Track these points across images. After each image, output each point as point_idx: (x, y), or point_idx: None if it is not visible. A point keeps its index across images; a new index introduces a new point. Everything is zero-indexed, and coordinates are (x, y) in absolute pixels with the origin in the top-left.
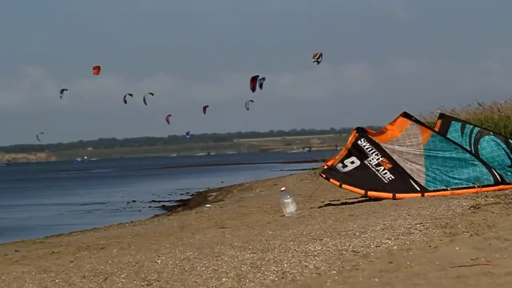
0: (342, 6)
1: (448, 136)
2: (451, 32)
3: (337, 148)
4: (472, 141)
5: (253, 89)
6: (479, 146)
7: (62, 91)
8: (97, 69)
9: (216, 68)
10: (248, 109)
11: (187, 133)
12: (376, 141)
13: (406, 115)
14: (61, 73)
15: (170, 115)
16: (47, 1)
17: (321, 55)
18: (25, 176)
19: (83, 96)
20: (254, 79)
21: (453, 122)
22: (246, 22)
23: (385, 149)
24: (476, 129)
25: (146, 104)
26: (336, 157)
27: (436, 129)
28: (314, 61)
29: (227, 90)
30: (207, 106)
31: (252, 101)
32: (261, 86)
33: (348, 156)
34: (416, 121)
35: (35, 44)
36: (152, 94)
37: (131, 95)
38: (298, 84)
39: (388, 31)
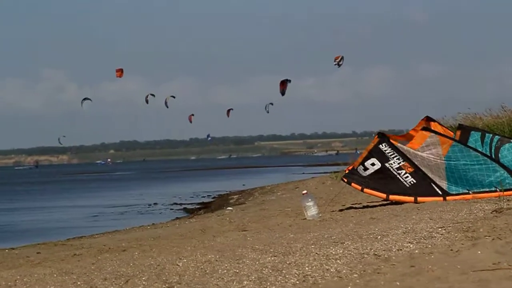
0: (364, 9)
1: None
2: (473, 35)
3: (357, 151)
4: (493, 150)
5: (283, 93)
6: (500, 155)
7: (83, 100)
8: (120, 71)
9: (238, 71)
10: (268, 111)
11: (208, 136)
12: (398, 144)
13: (425, 128)
14: (83, 75)
15: (193, 115)
16: (68, 4)
17: (342, 58)
18: (47, 178)
19: (105, 99)
20: (283, 83)
21: (472, 132)
22: (267, 25)
23: (407, 153)
24: (496, 138)
25: (167, 107)
26: (358, 160)
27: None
28: (335, 64)
29: (248, 93)
30: (231, 109)
31: (272, 104)
32: (283, 93)
33: (368, 157)
34: (435, 133)
35: (57, 46)
36: (174, 97)
37: (153, 95)
38: (320, 87)
39: (410, 34)
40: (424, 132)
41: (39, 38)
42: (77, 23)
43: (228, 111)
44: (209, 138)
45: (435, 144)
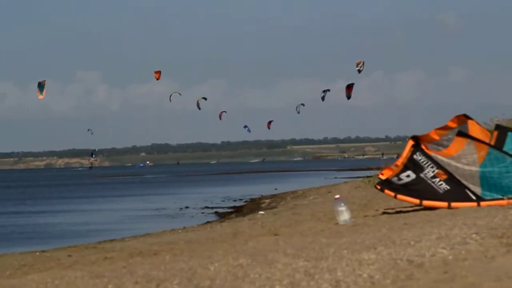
0: (395, 13)
1: (505, 147)
2: (507, 38)
3: (398, 155)
4: None
5: (348, 97)
6: None
7: (92, 153)
8: (159, 73)
9: (270, 74)
10: (299, 112)
11: (245, 126)
12: (432, 154)
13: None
14: (114, 78)
15: (225, 111)
16: (100, 6)
17: (363, 63)
18: (79, 180)
19: (136, 102)
20: (350, 87)
21: (509, 133)
22: (298, 28)
23: (440, 162)
24: None
25: (199, 108)
26: (392, 168)
27: (493, 141)
28: (357, 69)
29: (281, 96)
30: (272, 121)
31: (303, 104)
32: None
33: (404, 170)
34: (472, 138)
35: (88, 48)
36: (205, 99)
37: (179, 93)
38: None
39: (442, 38)
40: (461, 138)
41: (71, 40)
42: (109, 26)
43: (269, 123)
44: (247, 128)
45: (472, 153)
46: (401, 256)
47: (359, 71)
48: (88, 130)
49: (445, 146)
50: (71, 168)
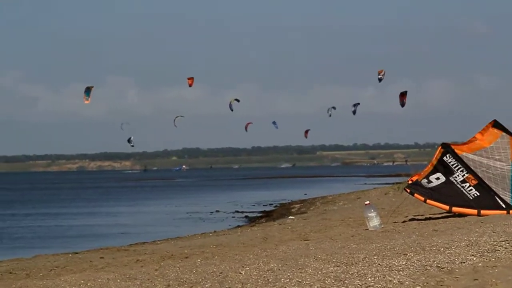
0: (424, 21)
1: None
2: None
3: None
4: None
5: (402, 104)
6: None
7: (129, 140)
8: (192, 80)
9: (301, 80)
10: (330, 115)
11: (274, 122)
12: (463, 154)
13: (496, 124)
14: (145, 82)
15: (250, 123)
16: (130, 11)
17: (384, 72)
18: (111, 183)
19: (166, 106)
20: (403, 95)
21: None
22: (328, 35)
23: (470, 165)
24: None
25: (232, 110)
26: (421, 173)
27: None
28: (378, 78)
29: (311, 102)
30: (309, 130)
31: (334, 108)
32: (354, 112)
33: (433, 172)
34: (507, 132)
35: (119, 53)
36: (238, 101)
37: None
38: (380, 98)
39: (471, 46)
40: (495, 130)
41: (101, 44)
42: (142, 30)
43: (306, 132)
44: (275, 125)
45: (505, 147)
46: (431, 262)
47: (380, 79)
48: (122, 125)
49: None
50: (124, 171)
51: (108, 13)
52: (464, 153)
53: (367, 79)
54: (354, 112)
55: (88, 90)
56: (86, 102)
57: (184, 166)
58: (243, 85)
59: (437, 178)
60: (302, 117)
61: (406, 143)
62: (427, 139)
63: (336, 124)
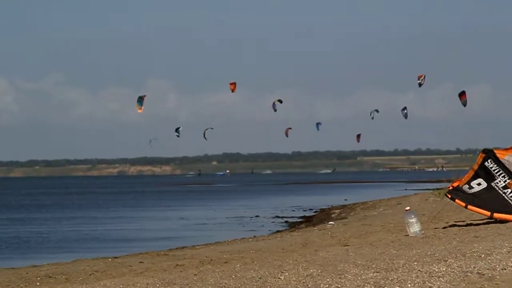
0: (464, 25)
1: None
2: None
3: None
4: None
5: (464, 104)
6: None
7: (177, 129)
8: (234, 85)
9: (341, 84)
10: (373, 118)
11: (317, 124)
12: (505, 158)
13: None
14: (184, 86)
15: (290, 128)
16: (170, 15)
17: (424, 77)
18: (152, 188)
19: (206, 110)
20: (463, 94)
21: None
22: (367, 39)
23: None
24: None
25: (275, 110)
26: (463, 179)
27: None
28: (418, 82)
29: (351, 107)
30: (360, 134)
31: (377, 111)
32: (406, 116)
33: (474, 177)
34: None
35: (160, 57)
36: (281, 102)
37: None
38: (421, 103)
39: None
40: None
41: (143, 47)
42: (179, 35)
43: (358, 136)
44: (319, 125)
45: None
46: (472, 269)
47: (420, 84)
48: (150, 141)
49: None
50: (181, 175)
51: (148, 15)
52: (506, 157)
53: (407, 84)
54: (405, 116)
55: (140, 100)
56: (139, 111)
57: (228, 171)
58: (283, 90)
59: (479, 184)
60: (342, 122)
61: (447, 148)
62: (468, 144)
63: (377, 129)
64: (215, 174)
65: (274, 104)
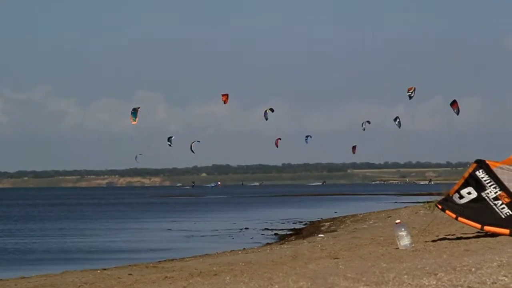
0: (455, 37)
1: None
2: None
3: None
4: None
5: (457, 112)
6: None
7: (169, 139)
8: (226, 96)
9: (330, 97)
10: (364, 129)
11: (307, 137)
12: (497, 167)
13: None
14: (174, 98)
15: (280, 139)
16: (161, 26)
17: (414, 89)
18: (140, 200)
19: (196, 122)
20: (454, 103)
21: None
22: (358, 52)
23: (504, 179)
24: None
25: (266, 119)
26: (453, 188)
27: None
28: (408, 95)
29: (341, 119)
30: (356, 146)
31: (369, 122)
32: (399, 125)
33: (464, 185)
34: None
35: (148, 68)
36: (272, 111)
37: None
38: (410, 116)
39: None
40: None
41: (133, 58)
42: (170, 45)
43: (354, 147)
44: (309, 137)
45: None
46: (462, 282)
47: (410, 97)
48: (136, 157)
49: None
50: (174, 186)
51: (138, 27)
52: (498, 167)
53: (398, 97)
54: (399, 125)
55: (134, 111)
56: (133, 123)
57: (219, 183)
58: (273, 102)
59: (469, 193)
60: (333, 134)
61: (437, 161)
62: (459, 158)
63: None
64: (206, 186)
65: (265, 113)
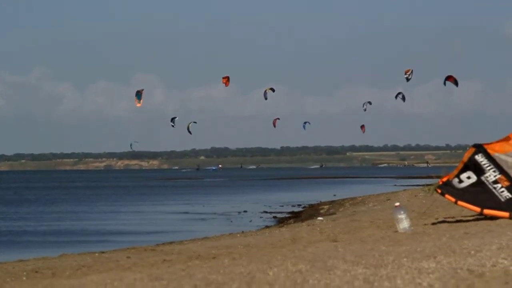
0: (454, 21)
1: None
2: None
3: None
4: None
5: (456, 84)
6: None
7: (172, 119)
8: (227, 79)
9: (329, 80)
10: (365, 110)
11: (305, 123)
12: (495, 154)
13: None
14: (172, 81)
15: (278, 119)
16: (158, 9)
17: (412, 72)
18: (138, 182)
19: (194, 105)
20: (450, 77)
21: None
22: (357, 34)
23: (503, 166)
24: None
25: (266, 98)
26: (453, 172)
27: None
28: (405, 77)
29: (340, 102)
30: (364, 125)
31: (370, 103)
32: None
33: (464, 170)
34: None
35: (146, 51)
36: (273, 90)
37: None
38: (411, 99)
39: (502, 47)
40: None
41: (131, 41)
42: (168, 29)
43: (363, 126)
44: (307, 124)
45: None
46: (462, 265)
47: (408, 79)
48: (131, 145)
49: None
50: (178, 169)
51: (135, 9)
52: (496, 153)
53: (397, 79)
54: (403, 99)
55: (139, 94)
56: (138, 105)
57: (220, 166)
58: (271, 85)
59: (468, 177)
60: (331, 117)
61: (437, 144)
62: (458, 140)
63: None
64: (207, 169)
65: (265, 92)
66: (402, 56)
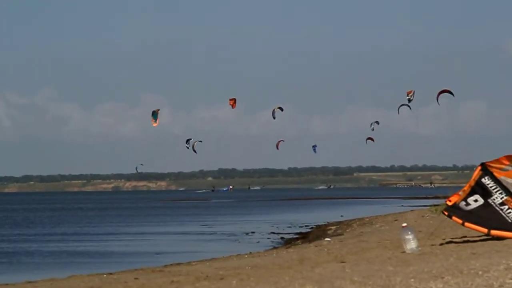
0: (459, 41)
1: None
2: None
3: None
4: None
5: (452, 93)
6: None
7: (187, 141)
8: (234, 101)
9: (335, 100)
10: (373, 129)
11: (314, 146)
12: (501, 177)
13: None
14: (179, 101)
15: (282, 140)
16: (165, 30)
17: (414, 93)
18: (147, 204)
19: (201, 126)
20: (442, 91)
21: None
22: (364, 54)
23: (509, 188)
24: None
25: (274, 118)
26: (459, 194)
27: None
28: (407, 98)
29: (347, 123)
30: (372, 137)
31: (377, 122)
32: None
33: (471, 194)
34: None
35: (154, 71)
36: (282, 109)
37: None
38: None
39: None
40: None
41: (137, 62)
42: (175, 50)
43: (370, 139)
44: (315, 148)
45: None
46: (469, 286)
47: (409, 100)
48: (136, 168)
49: None
50: (190, 190)
51: (142, 30)
52: (502, 177)
53: (403, 100)
54: (409, 101)
55: (155, 113)
56: (155, 125)
57: (231, 186)
58: (278, 105)
59: (475, 200)
60: (338, 138)
61: (444, 165)
62: (465, 161)
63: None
64: (219, 190)
65: (273, 112)
66: (408, 77)
